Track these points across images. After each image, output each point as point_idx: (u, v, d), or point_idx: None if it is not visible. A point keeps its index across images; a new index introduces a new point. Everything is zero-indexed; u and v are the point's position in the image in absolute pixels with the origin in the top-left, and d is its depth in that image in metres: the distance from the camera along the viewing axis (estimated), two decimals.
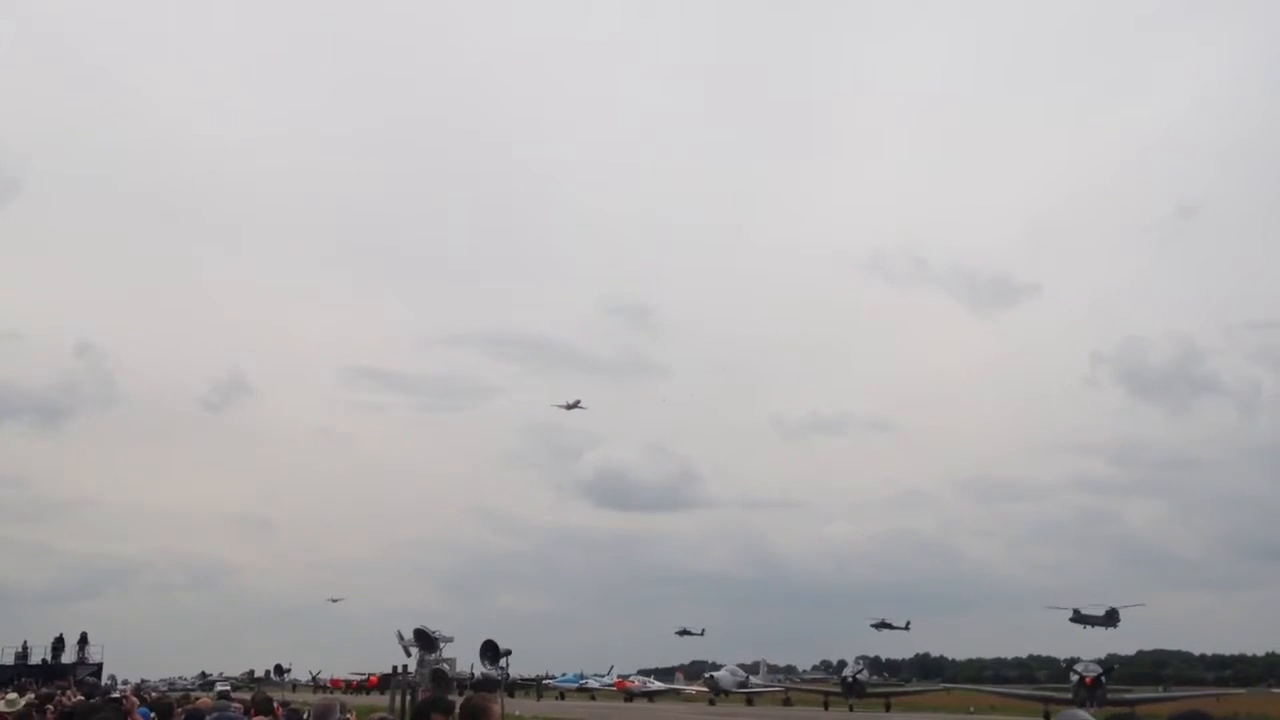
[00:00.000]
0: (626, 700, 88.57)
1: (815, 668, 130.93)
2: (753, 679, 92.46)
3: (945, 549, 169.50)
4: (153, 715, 13.81)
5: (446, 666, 38.86)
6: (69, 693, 25.11)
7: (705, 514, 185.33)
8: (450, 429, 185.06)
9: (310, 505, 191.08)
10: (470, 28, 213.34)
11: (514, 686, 78.84)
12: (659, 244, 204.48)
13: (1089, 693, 53.23)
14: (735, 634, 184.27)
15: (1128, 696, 60.59)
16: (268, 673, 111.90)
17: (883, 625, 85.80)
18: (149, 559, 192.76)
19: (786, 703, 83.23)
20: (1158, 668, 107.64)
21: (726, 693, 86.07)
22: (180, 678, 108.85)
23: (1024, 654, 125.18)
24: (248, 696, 18.86)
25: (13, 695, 20.01)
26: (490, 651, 34.14)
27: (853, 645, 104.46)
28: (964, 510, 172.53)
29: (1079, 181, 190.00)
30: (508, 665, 35.03)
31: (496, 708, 6.97)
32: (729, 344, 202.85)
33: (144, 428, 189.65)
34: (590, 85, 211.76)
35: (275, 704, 16.08)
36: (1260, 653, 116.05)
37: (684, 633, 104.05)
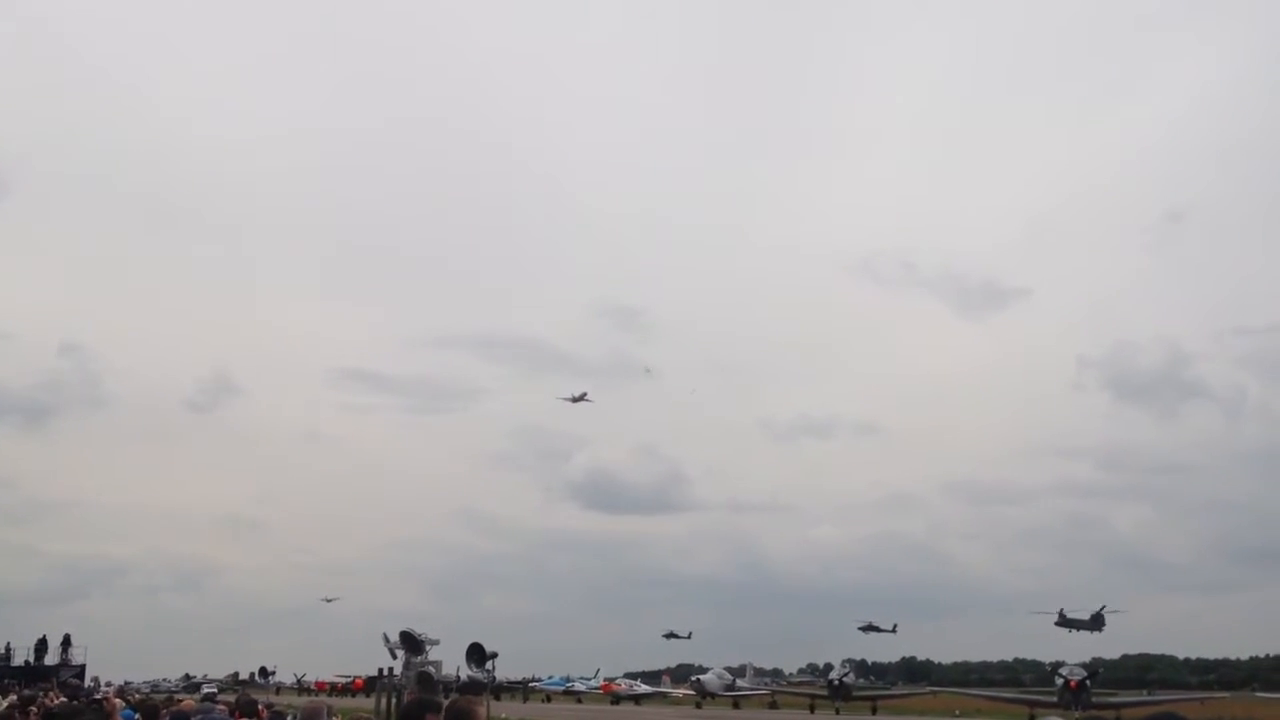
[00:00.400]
0: (613, 703, 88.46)
1: (802, 671, 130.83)
2: (739, 682, 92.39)
3: (933, 552, 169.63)
4: (137, 717, 13.76)
5: (433, 669, 38.83)
6: (51, 694, 24.99)
7: (694, 516, 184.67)
8: (439, 431, 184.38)
9: (299, 506, 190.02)
10: (470, 28, 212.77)
11: (500, 689, 78.68)
12: (658, 244, 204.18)
13: (1074, 696, 53.55)
14: (722, 637, 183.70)
15: (1112, 700, 60.96)
16: (252, 675, 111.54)
17: (870, 628, 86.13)
18: (136, 560, 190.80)
19: (773, 706, 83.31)
20: (1143, 671, 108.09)
21: (713, 696, 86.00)
22: (164, 680, 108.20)
23: (1010, 657, 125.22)
24: (232, 699, 18.79)
25: None
26: (477, 654, 34.16)
27: (840, 648, 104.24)
28: (952, 514, 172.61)
29: (1079, 182, 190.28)
30: (494, 668, 35.02)
31: (482, 711, 6.97)
32: (724, 345, 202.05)
33: (134, 428, 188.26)
34: (590, 85, 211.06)
35: (260, 706, 16.03)
36: (1244, 656, 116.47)
37: (671, 635, 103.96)
